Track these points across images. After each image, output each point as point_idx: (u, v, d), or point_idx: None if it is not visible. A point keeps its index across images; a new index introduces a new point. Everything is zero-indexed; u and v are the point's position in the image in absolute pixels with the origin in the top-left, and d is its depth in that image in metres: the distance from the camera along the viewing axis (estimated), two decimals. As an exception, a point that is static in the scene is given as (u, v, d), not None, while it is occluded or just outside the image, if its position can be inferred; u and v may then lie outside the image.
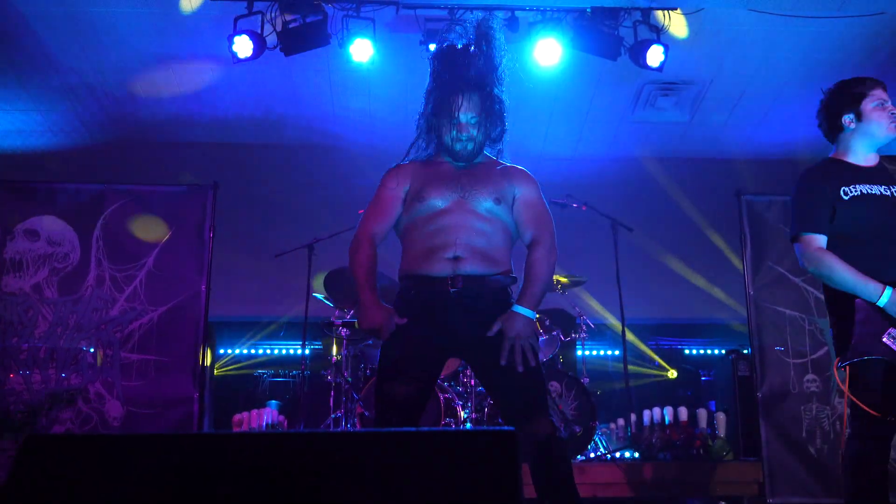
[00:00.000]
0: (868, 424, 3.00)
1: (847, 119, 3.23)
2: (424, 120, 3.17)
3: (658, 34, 5.92)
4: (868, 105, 3.20)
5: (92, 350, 5.12)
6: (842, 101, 3.25)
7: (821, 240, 3.12)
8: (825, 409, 5.13)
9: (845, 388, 3.00)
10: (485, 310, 2.96)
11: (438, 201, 3.03)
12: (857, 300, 3.01)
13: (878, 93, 3.23)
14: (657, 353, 9.10)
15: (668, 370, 8.87)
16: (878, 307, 2.97)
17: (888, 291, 2.95)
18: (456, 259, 2.95)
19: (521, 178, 3.15)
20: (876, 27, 6.12)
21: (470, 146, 3.10)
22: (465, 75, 3.06)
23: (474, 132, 3.08)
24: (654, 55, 5.86)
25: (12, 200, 5.33)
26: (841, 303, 3.09)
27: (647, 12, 5.92)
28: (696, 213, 8.06)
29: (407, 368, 2.92)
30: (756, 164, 7.87)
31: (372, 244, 3.09)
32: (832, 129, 3.30)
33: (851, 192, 3.13)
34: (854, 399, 2.97)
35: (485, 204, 3.03)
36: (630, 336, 6.58)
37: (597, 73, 6.64)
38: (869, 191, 3.15)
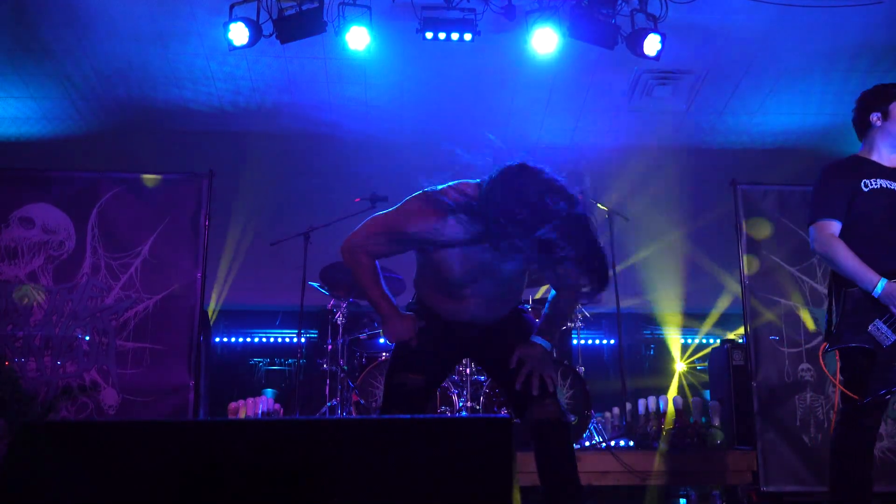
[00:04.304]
0: (856, 410, 3.08)
1: (874, 116, 3.31)
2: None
3: (655, 23, 5.90)
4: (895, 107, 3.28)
5: (87, 338, 5.12)
6: (874, 99, 3.34)
7: (834, 226, 3.19)
8: (819, 398, 5.15)
9: (828, 373, 3.07)
10: (499, 321, 3.03)
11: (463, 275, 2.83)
12: (852, 289, 3.10)
13: None
14: (652, 342, 9.13)
15: (674, 361, 8.89)
16: (873, 298, 3.03)
17: (882, 282, 3.03)
18: (473, 318, 2.98)
19: None
20: (872, 17, 6.11)
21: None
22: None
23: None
24: (651, 44, 5.85)
25: (7, 188, 5.32)
26: (841, 292, 3.16)
27: (644, 1, 5.90)
28: (692, 203, 8.04)
29: (419, 362, 2.97)
30: (752, 154, 7.87)
31: (372, 260, 2.92)
32: (862, 126, 3.38)
33: (871, 184, 3.21)
34: (836, 383, 3.05)
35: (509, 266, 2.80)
36: (625, 322, 6.58)
37: (593, 62, 6.61)
38: (888, 186, 3.22)
